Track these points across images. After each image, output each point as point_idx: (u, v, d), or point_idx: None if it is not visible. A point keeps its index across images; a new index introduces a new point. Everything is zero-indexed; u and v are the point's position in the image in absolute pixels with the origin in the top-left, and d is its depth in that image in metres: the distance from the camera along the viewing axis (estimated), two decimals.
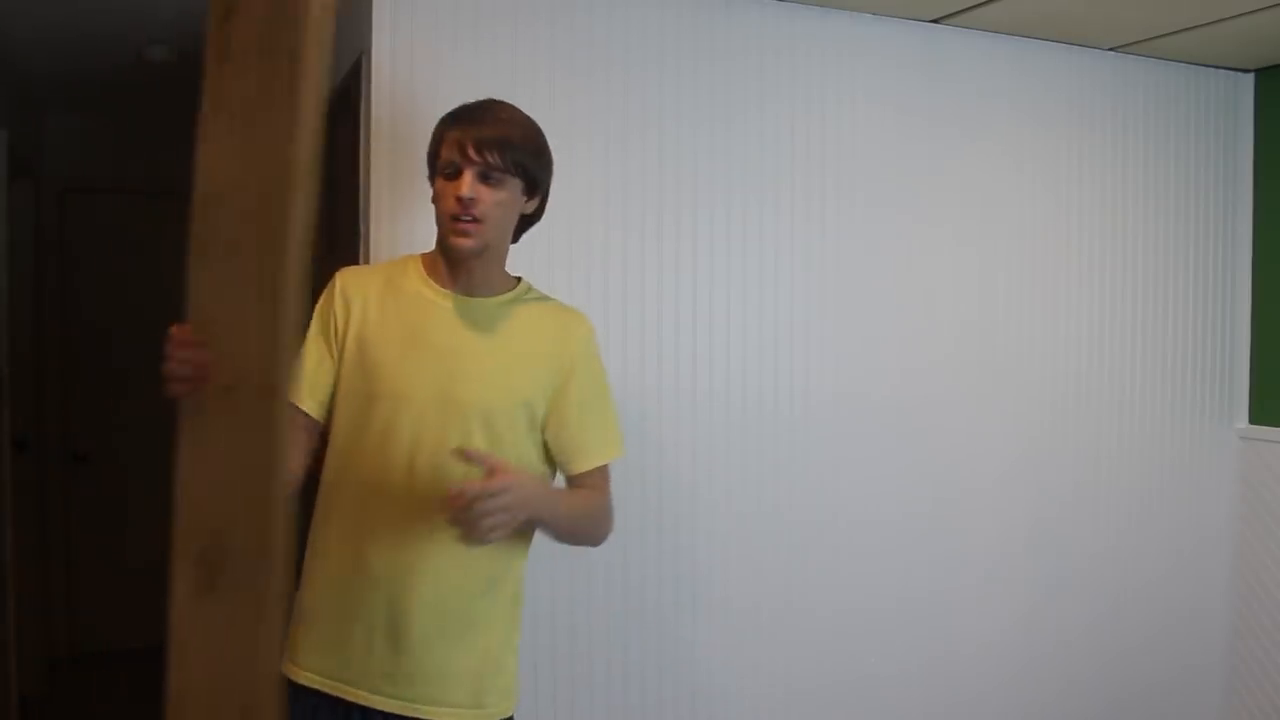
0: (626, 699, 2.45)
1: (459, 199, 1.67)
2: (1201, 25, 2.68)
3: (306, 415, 1.72)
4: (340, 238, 2.66)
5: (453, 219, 1.68)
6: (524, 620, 2.34)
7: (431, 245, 1.79)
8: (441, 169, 1.71)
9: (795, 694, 2.63)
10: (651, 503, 2.46)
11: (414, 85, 2.24)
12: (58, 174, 4.56)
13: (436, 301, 1.75)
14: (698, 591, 2.51)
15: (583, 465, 1.82)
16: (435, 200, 1.73)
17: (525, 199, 1.76)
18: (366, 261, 2.23)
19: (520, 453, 1.75)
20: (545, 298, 1.85)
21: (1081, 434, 2.93)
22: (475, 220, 1.68)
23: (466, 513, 1.51)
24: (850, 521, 2.67)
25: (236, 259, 1.35)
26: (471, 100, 1.78)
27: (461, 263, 1.74)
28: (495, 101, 1.77)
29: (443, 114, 1.78)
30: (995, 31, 2.76)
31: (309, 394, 1.72)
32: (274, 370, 1.33)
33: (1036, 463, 2.88)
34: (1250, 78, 3.12)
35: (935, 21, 2.70)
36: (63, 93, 4.16)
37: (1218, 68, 3.07)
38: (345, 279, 1.79)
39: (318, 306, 1.76)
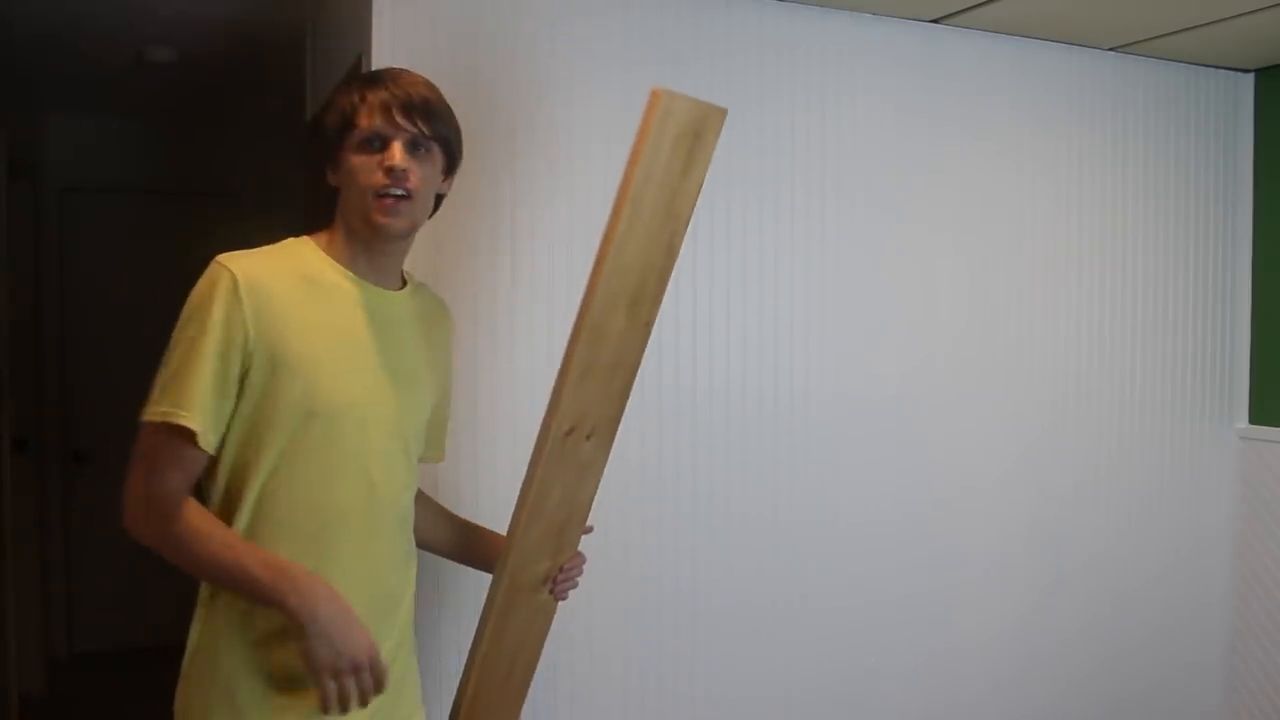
0: (626, 699, 2.45)
1: (389, 170, 1.46)
2: (1201, 25, 2.68)
3: (202, 451, 1.42)
4: None
5: (379, 195, 1.47)
6: None
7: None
8: (360, 141, 1.48)
9: (795, 694, 2.63)
10: (651, 503, 2.46)
11: None
12: (58, 174, 4.56)
13: (359, 296, 1.52)
14: (698, 591, 2.51)
15: (433, 457, 1.73)
16: (347, 176, 1.50)
17: (443, 178, 1.57)
18: None
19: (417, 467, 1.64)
20: (423, 284, 1.71)
21: (1081, 434, 2.93)
22: (406, 196, 1.48)
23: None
24: (850, 521, 2.67)
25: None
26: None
27: (382, 248, 1.54)
28: (399, 68, 1.57)
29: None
30: (995, 31, 2.76)
31: (212, 425, 1.41)
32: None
33: (1036, 463, 2.88)
34: (1250, 78, 3.12)
35: (935, 21, 2.70)
36: (63, 93, 4.17)
37: (1218, 68, 3.07)
38: (246, 274, 1.43)
39: (212, 309, 1.40)
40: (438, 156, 1.53)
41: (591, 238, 2.40)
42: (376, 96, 1.47)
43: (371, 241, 1.52)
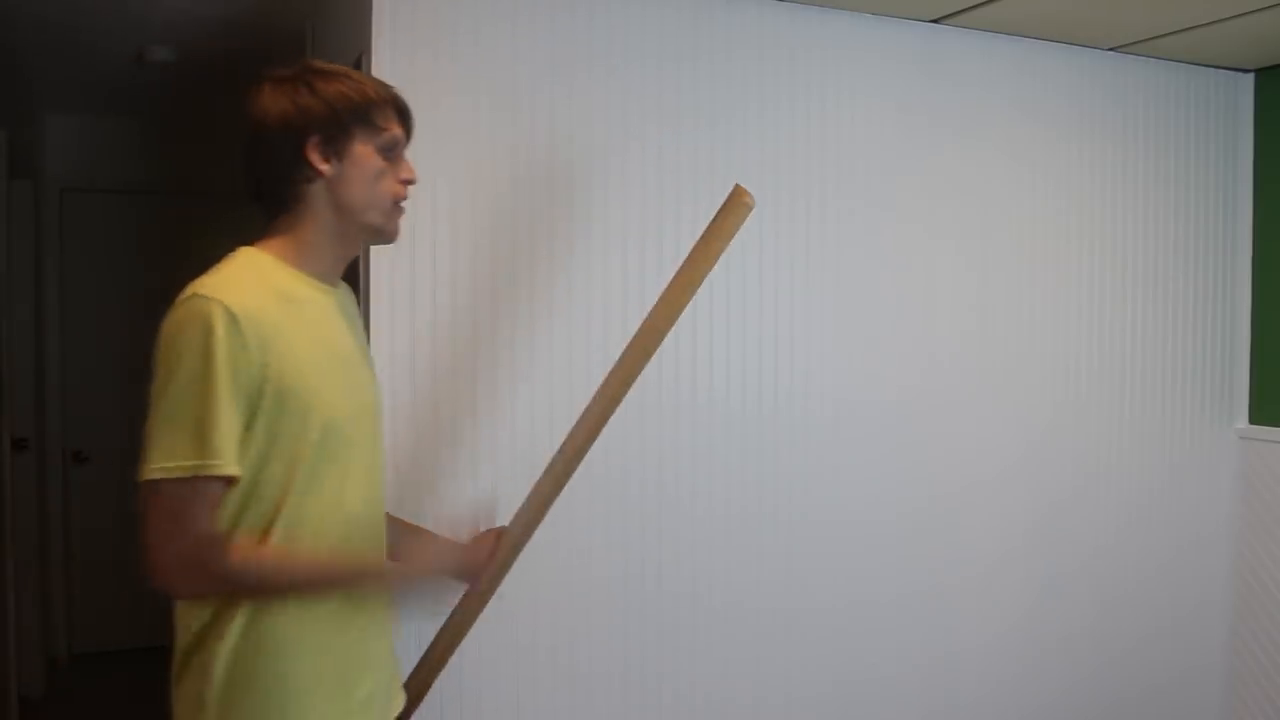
0: (626, 701, 2.45)
1: (407, 182, 1.52)
2: (1201, 25, 2.68)
3: (228, 484, 1.36)
4: None
5: (396, 203, 1.51)
6: (525, 624, 2.36)
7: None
8: (386, 144, 1.48)
9: (796, 694, 2.62)
10: (650, 505, 2.46)
11: (414, 85, 2.23)
12: (58, 174, 4.56)
13: (325, 302, 1.50)
14: (698, 593, 2.51)
15: None
16: (366, 175, 1.47)
17: None
18: (367, 265, 2.23)
19: None
20: None
21: (1081, 434, 2.93)
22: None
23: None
24: (851, 521, 2.67)
25: None
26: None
27: (358, 251, 1.58)
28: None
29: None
30: (995, 31, 2.76)
31: (243, 465, 1.36)
32: None
33: (1036, 463, 2.88)
34: (1250, 78, 3.12)
35: (935, 21, 2.70)
36: (63, 93, 4.16)
37: (1218, 68, 3.07)
38: (238, 304, 1.34)
39: (215, 347, 1.31)
40: None
41: (590, 238, 2.42)
42: (389, 97, 1.48)
43: (358, 244, 1.55)
